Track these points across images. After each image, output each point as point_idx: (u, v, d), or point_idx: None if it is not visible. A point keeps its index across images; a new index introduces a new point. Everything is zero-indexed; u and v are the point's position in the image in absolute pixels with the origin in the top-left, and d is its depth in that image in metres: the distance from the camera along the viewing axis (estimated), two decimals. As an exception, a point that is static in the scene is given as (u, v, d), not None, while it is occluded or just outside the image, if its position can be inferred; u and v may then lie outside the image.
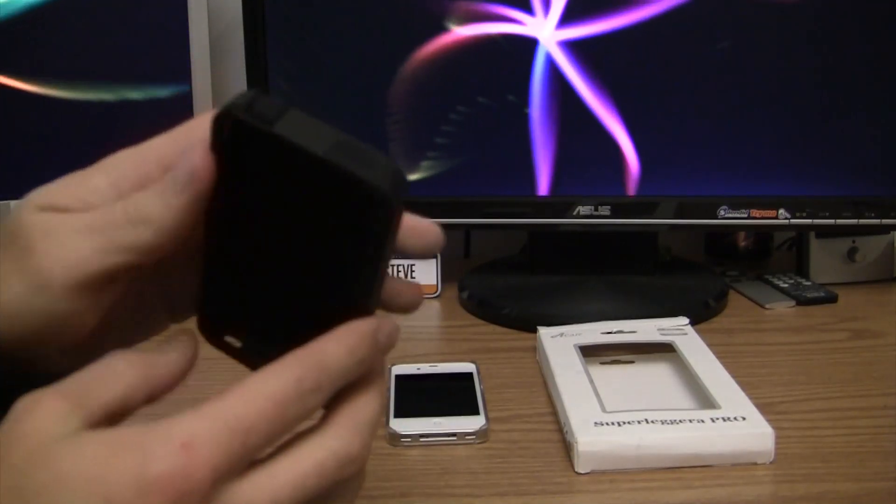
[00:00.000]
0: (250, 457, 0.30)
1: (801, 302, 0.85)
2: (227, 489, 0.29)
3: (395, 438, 0.58)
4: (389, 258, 0.34)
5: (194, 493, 0.28)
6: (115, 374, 0.31)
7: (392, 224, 0.33)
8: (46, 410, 0.29)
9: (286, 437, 0.31)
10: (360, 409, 0.33)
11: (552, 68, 0.79)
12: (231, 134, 0.32)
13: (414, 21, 0.79)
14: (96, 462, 0.28)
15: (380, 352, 0.33)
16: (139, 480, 0.28)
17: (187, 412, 0.29)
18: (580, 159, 0.81)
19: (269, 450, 0.31)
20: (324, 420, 0.33)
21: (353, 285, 0.34)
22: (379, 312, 0.35)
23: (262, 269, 0.35)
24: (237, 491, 0.30)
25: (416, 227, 0.36)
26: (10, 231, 0.34)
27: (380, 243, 0.33)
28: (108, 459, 0.28)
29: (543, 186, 0.81)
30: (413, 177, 0.81)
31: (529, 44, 0.78)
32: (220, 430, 0.29)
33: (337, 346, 0.32)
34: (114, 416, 0.31)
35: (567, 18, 0.78)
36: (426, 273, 0.88)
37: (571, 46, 0.78)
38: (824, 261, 0.92)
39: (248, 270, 0.35)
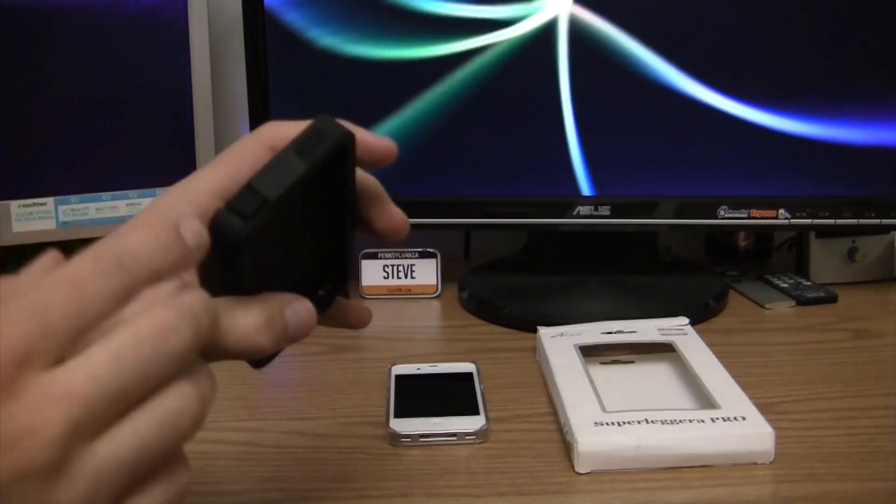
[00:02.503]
0: (54, 338, 0.29)
1: (801, 302, 0.85)
2: (37, 375, 0.29)
3: (395, 438, 0.58)
4: None
5: None
6: None
7: (354, 150, 0.41)
8: None
9: (97, 319, 0.31)
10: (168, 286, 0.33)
11: (556, 63, 0.79)
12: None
13: (414, 19, 0.79)
14: None
15: (182, 241, 0.34)
16: None
17: None
18: (582, 157, 0.81)
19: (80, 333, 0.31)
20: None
21: (345, 215, 0.42)
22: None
23: (281, 269, 0.40)
24: (51, 375, 0.29)
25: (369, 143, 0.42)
26: None
27: (353, 172, 0.41)
28: None
29: (544, 186, 0.82)
30: (413, 176, 0.81)
31: (538, 38, 0.78)
32: (15, 314, 0.29)
33: (139, 231, 0.34)
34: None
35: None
36: (426, 273, 0.88)
37: (578, 37, 0.78)
38: (824, 261, 0.92)
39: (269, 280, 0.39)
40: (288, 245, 0.41)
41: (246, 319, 0.36)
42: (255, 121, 0.82)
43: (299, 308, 0.39)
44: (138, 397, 0.31)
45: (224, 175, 0.39)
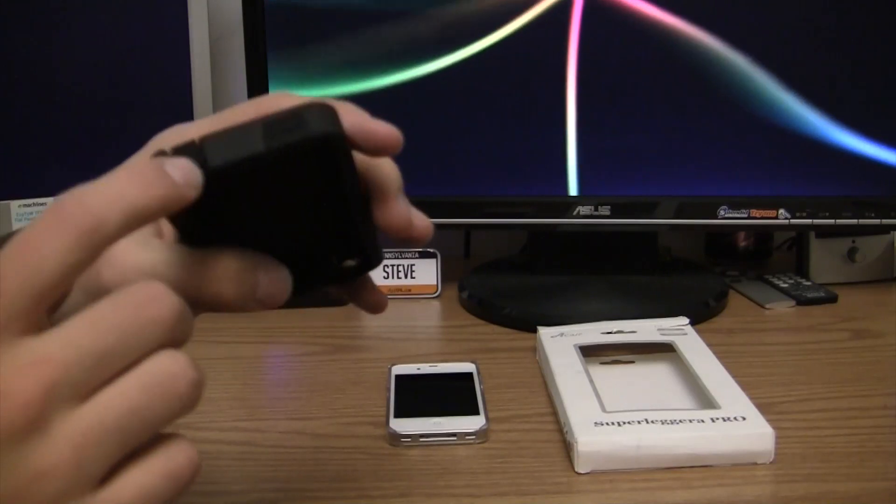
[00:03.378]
0: (15, 306, 0.28)
1: (801, 302, 0.85)
2: (8, 344, 0.28)
3: (395, 438, 0.58)
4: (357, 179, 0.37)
5: None
6: None
7: (348, 151, 0.35)
8: None
9: (61, 279, 0.29)
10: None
11: (562, 62, 0.79)
12: None
13: (414, 20, 0.79)
14: None
15: (166, 177, 0.30)
16: None
17: None
18: (581, 157, 0.81)
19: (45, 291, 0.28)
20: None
21: (348, 225, 0.37)
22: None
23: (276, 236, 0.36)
24: (24, 343, 0.28)
25: (367, 129, 0.37)
26: None
27: (350, 172, 0.36)
28: None
29: (544, 186, 0.82)
30: (413, 176, 0.81)
31: (547, 27, 0.78)
32: None
33: (114, 173, 0.30)
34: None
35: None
36: (426, 273, 0.88)
37: (590, 30, 0.78)
38: (824, 261, 0.92)
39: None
40: (267, 216, 0.36)
41: (216, 269, 0.34)
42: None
43: (273, 272, 0.35)
44: (124, 362, 0.29)
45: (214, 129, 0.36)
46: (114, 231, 0.29)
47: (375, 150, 0.38)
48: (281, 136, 0.32)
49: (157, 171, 0.30)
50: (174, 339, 0.31)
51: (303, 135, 0.33)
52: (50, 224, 0.28)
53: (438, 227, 0.84)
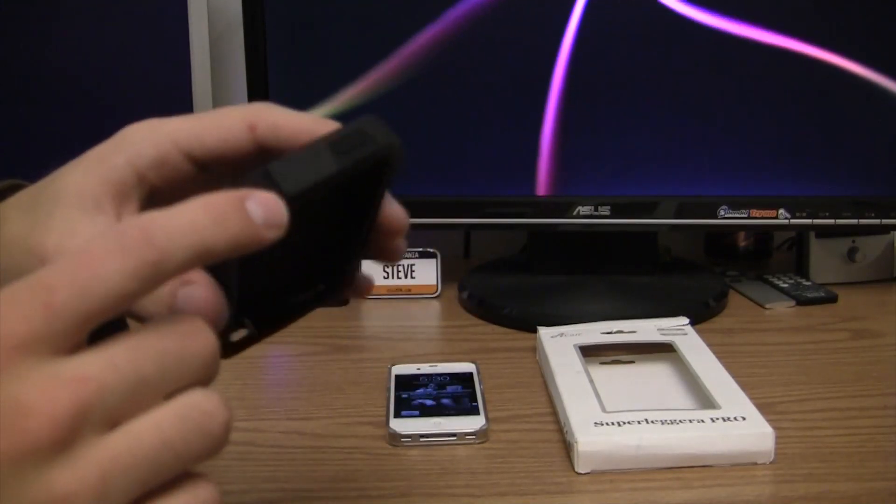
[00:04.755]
0: (60, 321, 0.26)
1: (801, 302, 0.85)
2: (46, 360, 0.26)
3: (395, 438, 0.58)
4: None
5: None
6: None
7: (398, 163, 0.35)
8: None
9: (114, 303, 0.27)
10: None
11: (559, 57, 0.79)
12: None
13: (413, 19, 0.79)
14: None
15: (244, 214, 0.29)
16: None
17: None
18: (581, 157, 0.81)
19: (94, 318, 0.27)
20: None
21: (361, 229, 0.37)
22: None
23: (272, 266, 0.35)
24: (63, 360, 0.27)
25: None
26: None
27: (389, 181, 0.35)
28: None
29: (544, 186, 0.82)
30: (413, 176, 0.81)
31: (546, 25, 0.78)
32: (18, 294, 0.26)
33: (188, 208, 0.28)
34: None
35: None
36: (426, 273, 0.88)
37: (580, 44, 0.78)
38: (824, 261, 0.92)
39: (257, 273, 0.34)
40: (288, 244, 0.35)
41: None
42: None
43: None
44: (160, 393, 0.28)
45: (191, 129, 0.37)
46: (176, 268, 0.28)
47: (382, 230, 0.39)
48: (351, 152, 0.32)
49: (236, 208, 0.29)
50: (207, 377, 0.30)
51: (372, 148, 0.32)
52: (111, 248, 0.27)
53: (438, 227, 0.85)
